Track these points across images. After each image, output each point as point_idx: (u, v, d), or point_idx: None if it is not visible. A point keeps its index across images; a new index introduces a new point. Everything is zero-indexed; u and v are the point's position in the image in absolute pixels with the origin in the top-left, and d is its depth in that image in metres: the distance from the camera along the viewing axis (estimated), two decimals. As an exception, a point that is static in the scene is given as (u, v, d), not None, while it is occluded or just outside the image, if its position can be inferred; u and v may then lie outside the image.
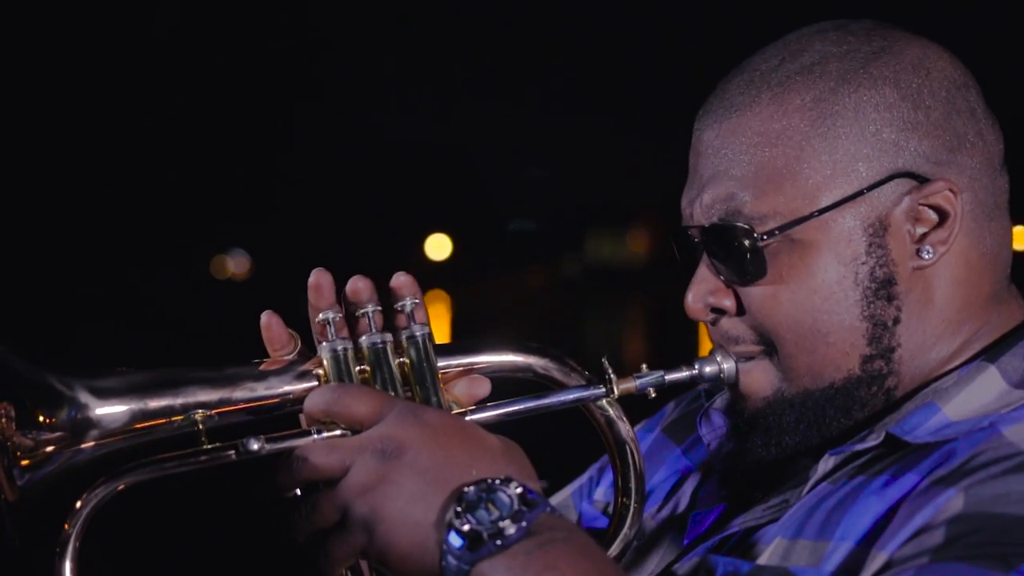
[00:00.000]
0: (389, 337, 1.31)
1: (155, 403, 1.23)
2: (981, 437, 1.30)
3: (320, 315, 1.34)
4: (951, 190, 1.36)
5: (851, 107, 1.37)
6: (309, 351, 1.37)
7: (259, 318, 1.43)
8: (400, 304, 1.36)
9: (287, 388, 1.31)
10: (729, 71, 1.45)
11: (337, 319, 1.33)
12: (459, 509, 1.20)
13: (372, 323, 1.32)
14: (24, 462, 1.15)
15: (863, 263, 1.37)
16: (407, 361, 1.30)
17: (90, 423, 1.19)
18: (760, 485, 1.47)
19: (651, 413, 1.77)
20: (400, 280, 1.39)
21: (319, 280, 1.37)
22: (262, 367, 1.33)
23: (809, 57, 1.40)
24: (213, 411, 1.26)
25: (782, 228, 1.37)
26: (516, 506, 1.20)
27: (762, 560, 1.35)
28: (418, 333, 1.32)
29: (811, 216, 1.36)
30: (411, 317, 1.34)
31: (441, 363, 1.32)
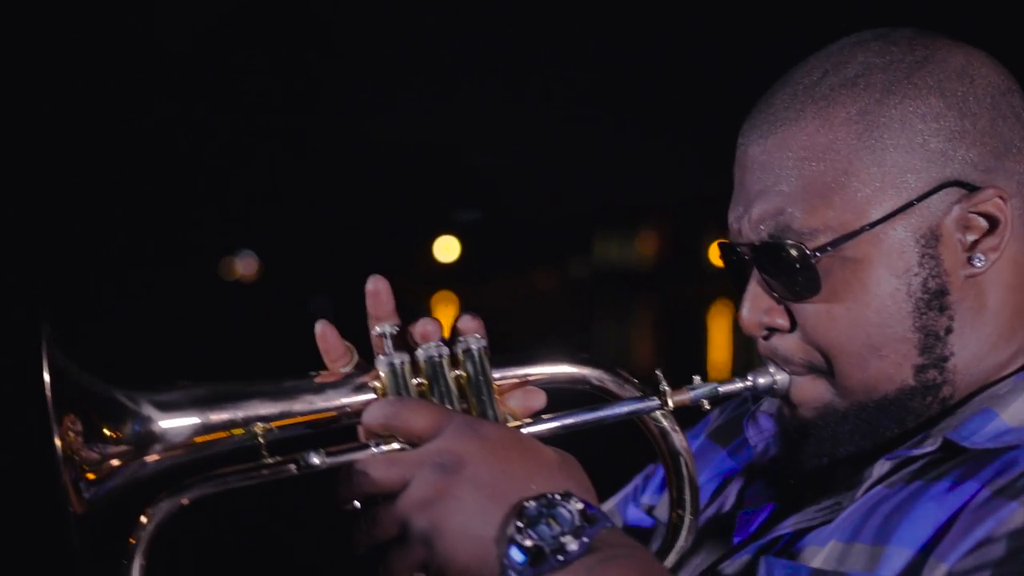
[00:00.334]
0: (445, 350, 1.30)
1: (216, 417, 1.24)
2: None
3: (377, 327, 1.32)
4: (1000, 197, 1.35)
5: (897, 118, 1.35)
6: (365, 361, 1.35)
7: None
8: (456, 319, 1.35)
9: (345, 401, 1.30)
10: (772, 85, 1.44)
11: (395, 332, 1.31)
12: (520, 524, 1.20)
13: (429, 336, 1.31)
14: (91, 475, 1.18)
15: (916, 275, 1.35)
16: (463, 374, 1.31)
17: (154, 437, 1.21)
18: (810, 486, 1.44)
19: (695, 421, 1.75)
20: (466, 322, 1.36)
21: (377, 287, 1.33)
22: (319, 380, 1.31)
23: (852, 69, 1.38)
24: (273, 424, 1.27)
25: (834, 243, 1.34)
26: (577, 521, 1.20)
27: (817, 563, 1.35)
28: (474, 346, 1.32)
29: (862, 230, 1.34)
30: (466, 330, 1.33)
31: (496, 375, 1.33)
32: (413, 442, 1.26)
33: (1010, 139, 1.37)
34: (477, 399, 1.31)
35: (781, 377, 1.42)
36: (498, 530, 1.21)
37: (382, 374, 1.30)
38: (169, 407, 1.23)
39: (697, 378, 1.39)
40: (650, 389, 1.38)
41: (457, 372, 1.32)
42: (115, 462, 1.19)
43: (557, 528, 1.20)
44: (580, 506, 1.22)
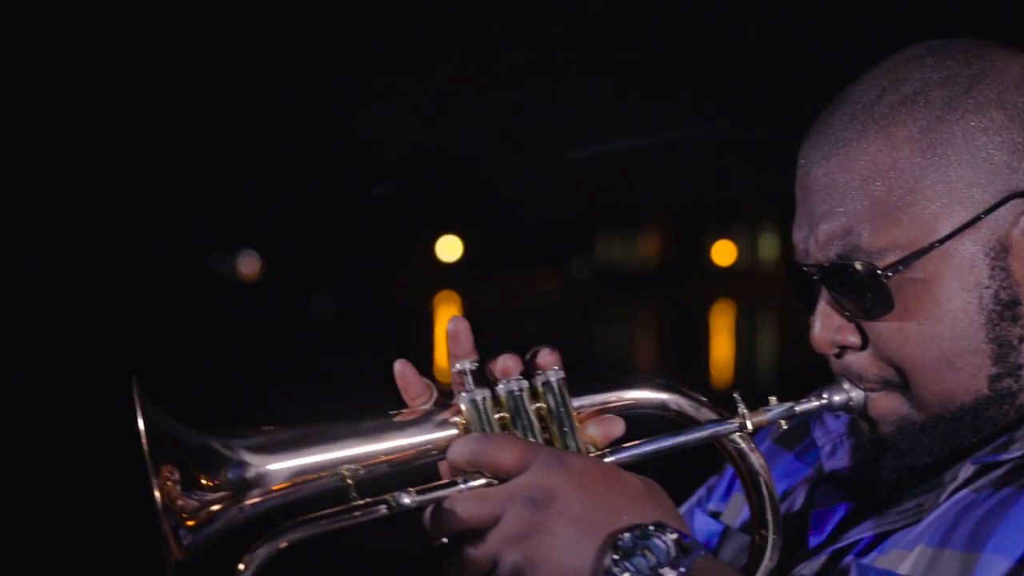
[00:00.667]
0: (525, 384, 1.32)
1: (306, 460, 1.26)
2: None
3: (457, 365, 1.33)
4: None
5: (960, 134, 1.36)
6: (445, 397, 1.37)
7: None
8: (532, 350, 1.36)
9: (427, 438, 1.32)
10: (828, 105, 1.45)
11: (474, 368, 1.33)
12: (616, 557, 1.21)
13: (508, 370, 1.32)
14: (189, 522, 1.21)
15: (987, 287, 1.36)
16: (544, 406, 1.32)
17: (249, 483, 1.24)
18: (887, 487, 1.45)
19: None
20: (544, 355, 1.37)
21: (457, 328, 1.34)
22: (399, 418, 1.34)
23: (910, 86, 1.38)
24: (360, 466, 1.28)
25: (904, 261, 1.35)
26: (673, 552, 1.21)
27: (905, 569, 1.35)
28: (553, 378, 1.32)
29: (932, 247, 1.35)
30: (545, 365, 1.34)
31: (575, 404, 1.34)
32: (500, 477, 1.27)
33: None
34: (559, 431, 1.32)
35: (856, 394, 1.43)
36: (594, 563, 1.22)
37: (464, 410, 1.31)
38: (260, 452, 1.25)
39: (773, 399, 1.40)
40: (726, 411, 1.38)
41: (538, 404, 1.33)
42: (213, 508, 1.22)
43: (653, 559, 1.21)
44: (675, 536, 1.23)
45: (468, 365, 1.33)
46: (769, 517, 1.39)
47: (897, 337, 1.38)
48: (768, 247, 45.77)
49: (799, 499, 1.54)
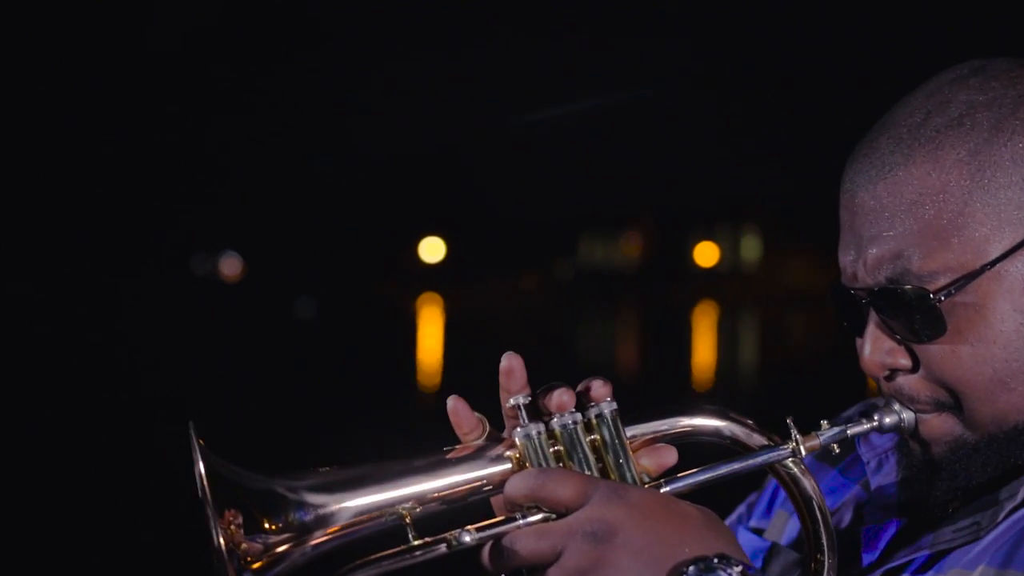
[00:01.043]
0: (579, 417, 1.31)
1: (365, 500, 1.27)
2: None
3: (511, 400, 1.32)
4: None
5: (1008, 156, 1.36)
6: (496, 430, 1.37)
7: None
8: (585, 382, 1.36)
9: (481, 473, 1.30)
10: (871, 128, 1.46)
11: (527, 402, 1.33)
12: None
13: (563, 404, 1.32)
14: (255, 565, 1.21)
15: None
16: (598, 438, 1.31)
17: (310, 524, 1.24)
18: (939, 505, 1.45)
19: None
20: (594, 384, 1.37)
21: (511, 365, 1.33)
22: (453, 454, 1.32)
23: (956, 109, 1.39)
24: (417, 503, 1.29)
25: (956, 284, 1.35)
26: None
27: None
28: (606, 410, 1.32)
29: (983, 269, 1.36)
30: (598, 397, 1.34)
31: (628, 433, 1.34)
32: (560, 512, 1.27)
33: None
34: (615, 463, 1.32)
35: (907, 415, 1.43)
36: None
37: (519, 444, 1.31)
38: (320, 493, 1.26)
39: (825, 423, 1.40)
40: (777, 436, 1.39)
41: (592, 437, 1.33)
42: (276, 551, 1.23)
43: None
44: (740, 568, 1.24)
45: (522, 400, 1.32)
46: (824, 541, 1.40)
47: (950, 359, 1.38)
48: (750, 248, 45.87)
49: (847, 515, 1.54)
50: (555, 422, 1.31)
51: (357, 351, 20.29)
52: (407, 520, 1.26)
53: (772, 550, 1.58)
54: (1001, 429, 1.39)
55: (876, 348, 1.42)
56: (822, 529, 1.39)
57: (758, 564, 1.57)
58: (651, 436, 1.36)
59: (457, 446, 1.34)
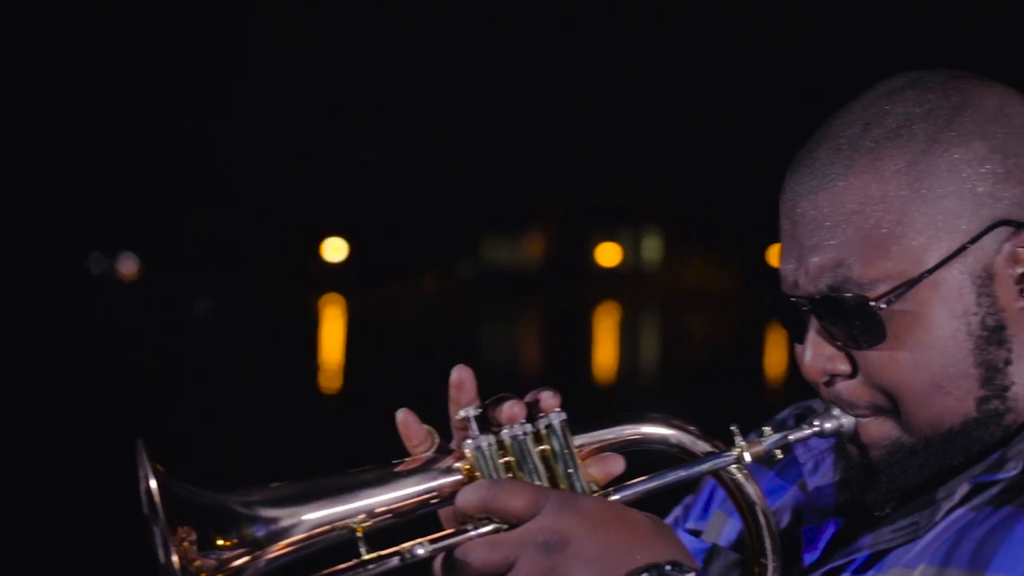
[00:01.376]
0: (529, 427, 1.32)
1: (316, 515, 1.27)
2: None
3: (461, 412, 1.33)
4: None
5: (944, 167, 1.39)
6: (445, 442, 1.36)
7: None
8: (533, 393, 1.36)
9: (432, 485, 1.32)
10: (809, 138, 1.48)
11: (478, 414, 1.33)
12: None
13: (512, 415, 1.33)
14: None
15: (974, 314, 1.40)
16: (548, 448, 1.33)
17: (263, 540, 1.25)
18: (877, 505, 1.47)
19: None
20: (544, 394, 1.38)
21: (461, 377, 1.35)
22: (403, 467, 1.33)
23: (893, 120, 1.42)
24: (368, 517, 1.29)
25: (895, 292, 1.38)
26: None
27: None
28: (555, 421, 1.33)
29: (921, 277, 1.39)
30: (547, 408, 1.35)
31: (576, 442, 1.35)
32: (511, 522, 1.27)
33: None
34: (564, 473, 1.33)
35: (847, 420, 1.45)
36: None
37: (470, 455, 1.32)
38: (272, 508, 1.26)
39: (767, 429, 1.43)
40: (721, 443, 1.41)
41: (542, 447, 1.34)
42: (229, 567, 1.23)
43: None
44: (691, 575, 1.25)
45: (472, 412, 1.33)
46: (768, 545, 1.42)
47: (889, 365, 1.41)
48: (652, 249, 46.29)
49: (786, 517, 1.57)
50: (505, 433, 1.32)
51: (257, 352, 20.09)
52: (359, 534, 1.27)
53: (712, 551, 1.61)
54: (937, 432, 1.42)
55: (817, 354, 1.44)
56: (765, 533, 1.42)
57: (699, 565, 1.60)
58: (598, 445, 1.37)
59: (407, 459, 1.35)
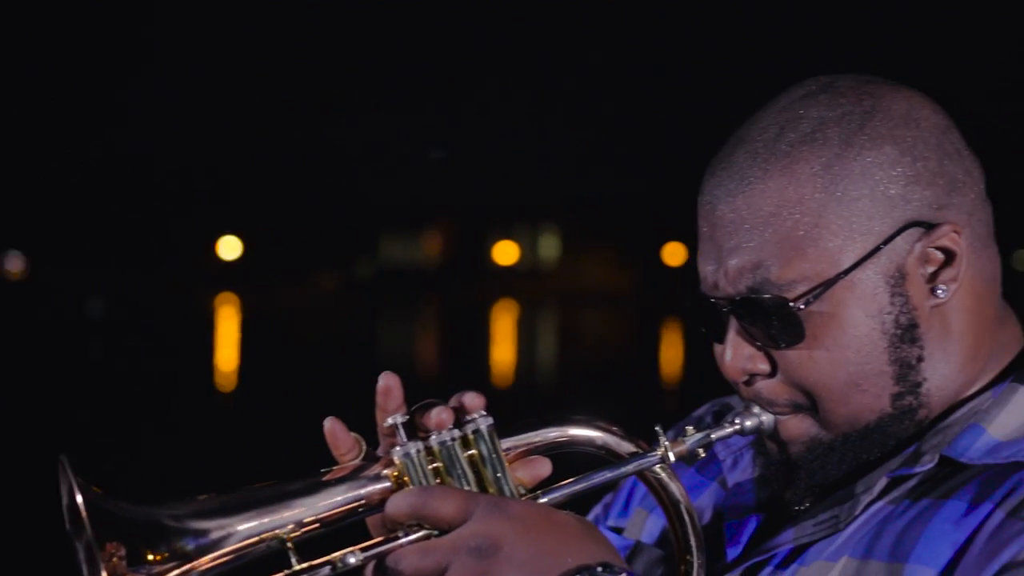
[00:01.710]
0: (457, 433, 1.33)
1: (245, 526, 1.27)
2: None
3: (389, 419, 1.34)
4: (955, 231, 1.45)
5: (858, 170, 1.44)
6: (372, 450, 1.37)
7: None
8: (457, 396, 1.37)
9: (360, 493, 1.33)
10: (726, 141, 1.52)
11: (405, 421, 1.34)
12: None
13: (440, 421, 1.33)
14: None
15: (888, 313, 1.44)
16: (475, 453, 1.34)
17: (192, 553, 1.24)
18: (797, 498, 1.51)
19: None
20: (468, 396, 1.38)
21: (388, 384, 1.35)
22: (331, 476, 1.33)
23: (808, 125, 1.46)
24: (297, 527, 1.29)
25: (813, 293, 1.42)
26: None
27: None
28: (483, 426, 1.34)
29: (837, 278, 1.43)
30: (472, 409, 1.35)
31: (503, 446, 1.36)
32: (442, 528, 1.28)
33: (955, 174, 1.47)
34: (493, 477, 1.34)
35: (767, 418, 1.48)
36: None
37: (399, 463, 1.32)
38: (201, 520, 1.25)
39: (690, 428, 1.45)
40: (644, 442, 1.43)
41: (470, 452, 1.34)
42: None
43: None
44: (623, 575, 1.27)
45: (400, 419, 1.34)
46: (693, 543, 1.44)
47: (807, 364, 1.45)
48: (548, 247, 46.51)
49: (707, 512, 1.59)
50: (433, 439, 1.33)
51: (151, 352, 19.80)
52: (289, 544, 1.27)
53: (635, 548, 1.62)
54: (854, 428, 1.46)
55: (737, 354, 1.47)
56: (690, 531, 1.44)
57: None
58: (525, 448, 1.38)
59: (334, 467, 1.35)
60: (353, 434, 1.36)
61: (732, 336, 1.48)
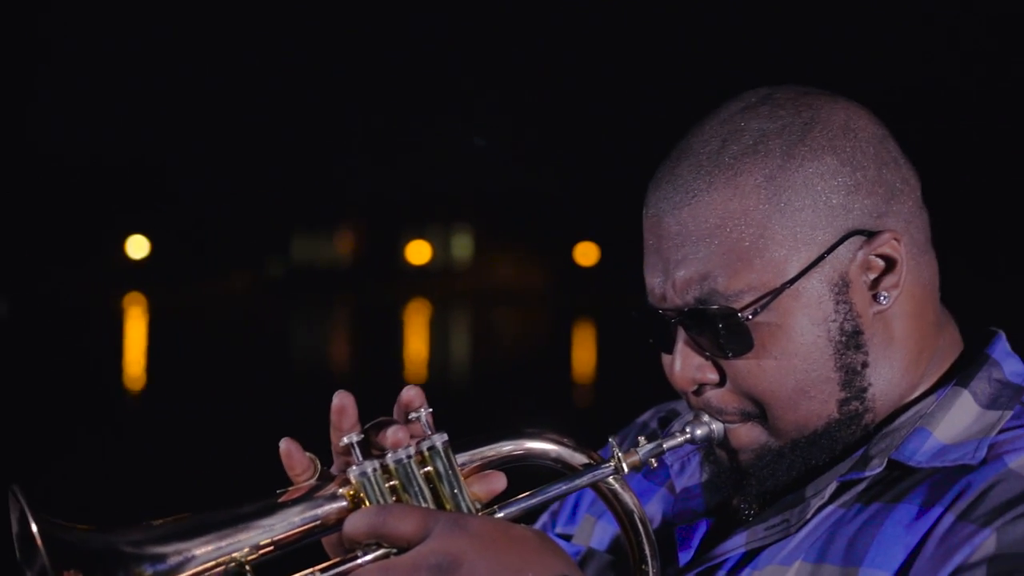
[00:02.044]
0: (412, 451, 1.34)
1: (203, 549, 1.25)
2: (991, 470, 1.41)
3: (344, 438, 1.34)
4: (895, 238, 1.48)
5: (800, 181, 1.47)
6: (327, 469, 1.37)
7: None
8: (415, 414, 1.37)
9: (317, 512, 1.33)
10: (668, 154, 1.54)
11: (360, 439, 1.34)
12: None
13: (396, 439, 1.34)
14: None
15: (833, 320, 1.47)
16: (431, 470, 1.34)
17: None
18: (746, 502, 1.53)
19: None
20: (410, 394, 1.39)
21: (343, 403, 1.36)
22: (286, 497, 1.33)
23: (749, 137, 1.49)
24: (255, 549, 1.28)
25: (759, 303, 1.45)
26: None
27: None
28: (438, 443, 1.35)
29: (783, 287, 1.45)
30: (427, 426, 1.36)
31: (458, 461, 1.37)
32: (401, 547, 1.28)
33: (893, 183, 1.50)
34: (450, 494, 1.35)
35: (716, 426, 1.50)
36: None
37: (355, 482, 1.32)
38: (157, 545, 1.23)
39: (642, 439, 1.46)
40: (596, 454, 1.44)
41: (426, 469, 1.35)
42: None
43: None
44: None
45: (355, 438, 1.34)
46: (647, 550, 1.46)
47: (755, 373, 1.48)
48: (462, 247, 46.49)
49: (657, 517, 1.61)
50: (389, 457, 1.33)
51: (56, 353, 19.49)
52: (247, 568, 1.26)
53: (586, 555, 1.63)
54: (803, 434, 1.49)
55: (686, 365, 1.50)
56: (644, 539, 1.45)
57: None
58: (480, 463, 1.40)
59: (290, 488, 1.35)
60: (308, 454, 1.36)
61: (680, 347, 1.50)
